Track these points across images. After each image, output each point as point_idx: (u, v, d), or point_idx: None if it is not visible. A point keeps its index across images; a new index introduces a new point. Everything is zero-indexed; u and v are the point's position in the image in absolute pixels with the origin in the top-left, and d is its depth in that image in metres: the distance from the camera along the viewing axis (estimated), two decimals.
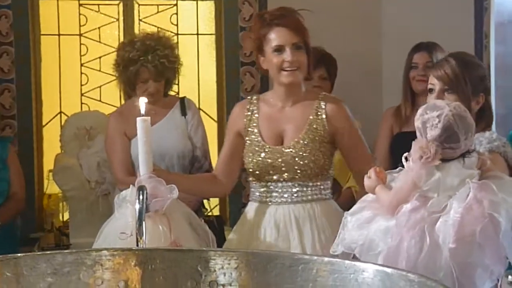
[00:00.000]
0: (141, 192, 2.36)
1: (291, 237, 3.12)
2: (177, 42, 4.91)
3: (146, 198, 2.39)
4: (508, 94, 4.92)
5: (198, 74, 5.06)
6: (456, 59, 2.98)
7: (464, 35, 4.82)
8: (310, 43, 3.18)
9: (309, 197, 3.15)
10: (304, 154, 3.12)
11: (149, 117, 2.87)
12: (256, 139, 3.18)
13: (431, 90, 2.97)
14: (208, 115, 5.00)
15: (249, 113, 3.22)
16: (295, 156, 3.12)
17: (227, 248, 3.15)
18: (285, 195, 3.16)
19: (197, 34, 5.08)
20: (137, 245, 2.14)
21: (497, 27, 4.54)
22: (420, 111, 2.57)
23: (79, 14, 4.94)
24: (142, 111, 2.86)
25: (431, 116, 2.51)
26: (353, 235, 2.54)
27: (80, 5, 4.94)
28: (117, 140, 3.90)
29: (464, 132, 2.49)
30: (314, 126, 3.14)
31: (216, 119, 5.03)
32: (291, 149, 3.13)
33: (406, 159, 2.54)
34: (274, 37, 3.11)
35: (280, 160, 3.13)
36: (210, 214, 4.30)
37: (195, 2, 5.06)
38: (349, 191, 4.22)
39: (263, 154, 3.15)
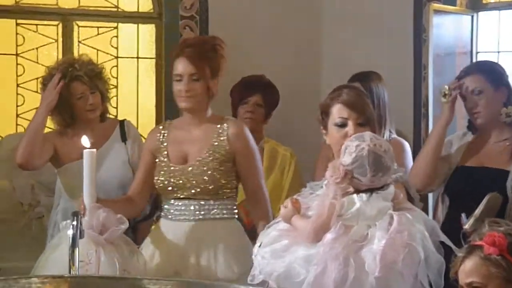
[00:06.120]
0: (75, 218, 2.31)
1: (189, 256, 3.28)
2: (117, 65, 4.89)
3: (81, 224, 2.35)
4: None
5: (137, 98, 5.01)
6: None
7: (404, 66, 4.88)
8: (215, 70, 3.39)
9: (211, 216, 3.33)
10: (204, 173, 3.31)
11: (95, 150, 3.09)
12: (163, 159, 3.39)
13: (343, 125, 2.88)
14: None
15: (160, 136, 3.45)
16: (196, 175, 3.32)
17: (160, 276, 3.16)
18: (186, 213, 3.34)
19: (137, 57, 5.03)
20: (69, 272, 2.09)
21: (434, 59, 4.62)
22: (352, 137, 2.70)
23: (16, 33, 4.86)
24: (87, 145, 3.06)
25: (351, 144, 2.64)
26: (272, 263, 2.61)
27: (17, 24, 4.86)
28: None
29: (374, 170, 2.61)
30: (216, 146, 3.35)
31: None
32: (192, 168, 3.33)
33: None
34: (176, 66, 3.38)
35: (182, 178, 3.33)
36: None
37: (136, 25, 5.03)
38: None
39: (168, 173, 3.36)
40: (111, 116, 4.17)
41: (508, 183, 3.45)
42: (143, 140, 3.88)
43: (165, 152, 3.40)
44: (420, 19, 4.81)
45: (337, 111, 2.87)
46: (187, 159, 3.37)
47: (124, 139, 3.97)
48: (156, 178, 3.40)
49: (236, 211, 3.44)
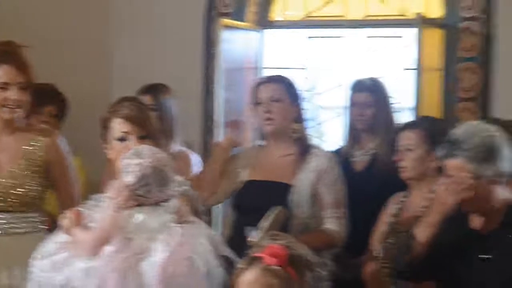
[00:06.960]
0: None
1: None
2: None
3: None
4: None
5: None
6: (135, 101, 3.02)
7: (194, 80, 4.96)
8: (34, 80, 3.24)
9: (22, 229, 3.18)
10: (15, 185, 3.14)
11: None
12: None
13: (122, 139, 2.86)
14: None
15: None
16: (6, 186, 3.14)
17: None
18: None
19: None
20: None
21: (223, 73, 4.71)
22: (127, 153, 2.66)
23: None
24: None
25: (131, 162, 2.61)
26: (51, 276, 2.56)
27: None
28: None
29: (159, 185, 2.63)
30: (29, 157, 3.19)
31: None
32: (4, 179, 3.14)
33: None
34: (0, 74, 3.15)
35: None
36: None
37: None
38: None
39: None
40: None
41: (290, 197, 3.55)
42: None
43: None
44: (210, 34, 4.91)
45: (118, 126, 2.84)
46: None
47: None
48: None
49: (46, 223, 3.27)
